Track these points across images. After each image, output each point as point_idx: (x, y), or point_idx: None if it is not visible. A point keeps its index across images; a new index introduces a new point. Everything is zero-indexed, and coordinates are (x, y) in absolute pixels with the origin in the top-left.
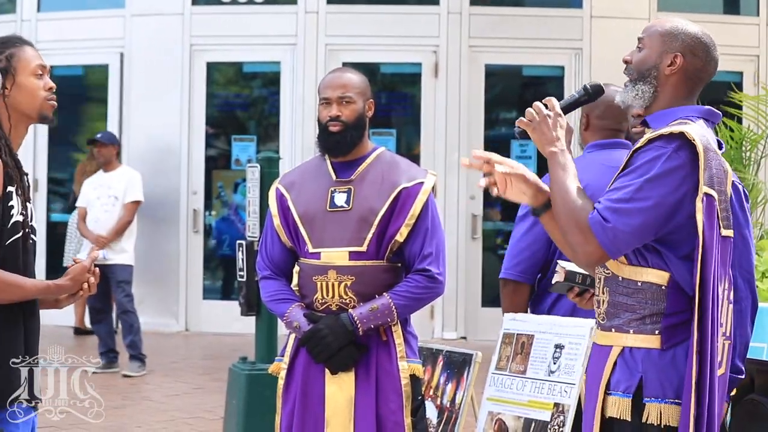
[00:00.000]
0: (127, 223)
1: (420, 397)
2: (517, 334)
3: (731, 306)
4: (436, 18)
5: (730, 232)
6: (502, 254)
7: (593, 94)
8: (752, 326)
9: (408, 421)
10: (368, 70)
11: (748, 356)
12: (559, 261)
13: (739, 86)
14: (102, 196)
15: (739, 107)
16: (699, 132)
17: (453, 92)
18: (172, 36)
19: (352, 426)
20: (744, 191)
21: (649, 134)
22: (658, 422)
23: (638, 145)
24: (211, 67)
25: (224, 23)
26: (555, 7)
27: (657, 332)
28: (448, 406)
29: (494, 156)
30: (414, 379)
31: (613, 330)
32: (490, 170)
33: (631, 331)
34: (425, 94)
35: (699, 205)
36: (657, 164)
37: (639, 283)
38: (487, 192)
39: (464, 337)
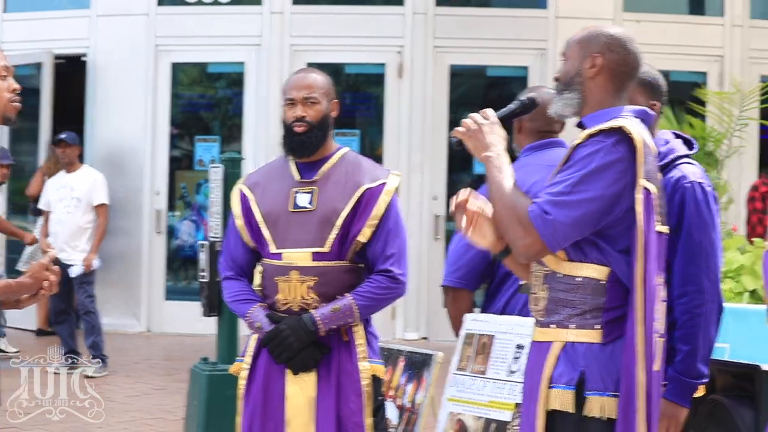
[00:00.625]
0: (105, 227)
1: (381, 398)
2: (478, 335)
3: (664, 303)
4: (400, 18)
5: (665, 229)
6: None
7: (529, 106)
8: (717, 330)
9: (368, 421)
10: (333, 70)
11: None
12: None
13: (704, 87)
14: (65, 197)
15: (704, 105)
16: (636, 127)
17: (417, 93)
18: (137, 36)
19: (313, 426)
20: (713, 192)
21: (588, 130)
22: (600, 415)
23: (577, 141)
24: (176, 68)
25: (189, 24)
26: (520, 7)
27: (598, 327)
28: (408, 406)
29: (473, 193)
30: (375, 380)
31: (553, 326)
32: (462, 206)
33: (572, 326)
34: (389, 95)
35: (638, 197)
36: (596, 158)
37: (578, 279)
38: (450, 192)
39: (425, 338)
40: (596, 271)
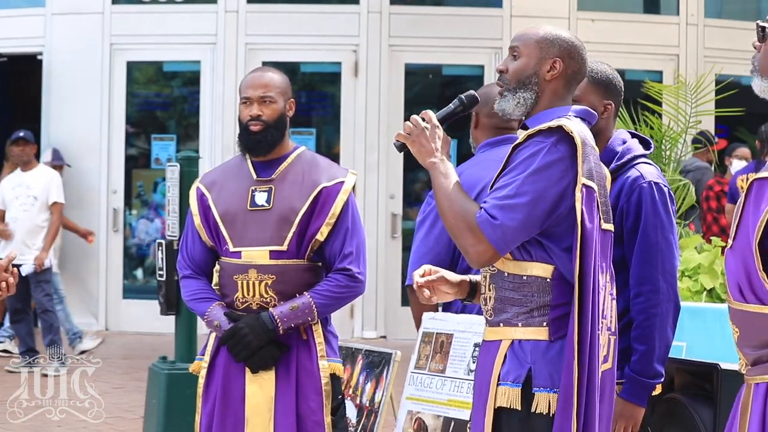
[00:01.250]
0: (58, 226)
1: (340, 396)
2: (437, 333)
3: (614, 302)
4: (356, 17)
5: (610, 226)
6: None
7: (468, 104)
8: (674, 329)
9: (328, 420)
10: (288, 69)
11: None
12: None
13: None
14: (20, 195)
15: (659, 103)
16: (577, 126)
17: (373, 91)
18: (92, 35)
19: (272, 425)
20: (669, 192)
21: (528, 131)
22: (547, 411)
23: (517, 141)
24: (131, 66)
25: (144, 22)
26: (475, 6)
27: (545, 324)
28: (367, 405)
29: (426, 268)
30: (334, 378)
31: (501, 325)
32: (421, 285)
33: (520, 324)
34: (345, 94)
35: (578, 195)
36: (537, 158)
37: (524, 277)
38: (407, 191)
39: (384, 336)
40: (541, 270)
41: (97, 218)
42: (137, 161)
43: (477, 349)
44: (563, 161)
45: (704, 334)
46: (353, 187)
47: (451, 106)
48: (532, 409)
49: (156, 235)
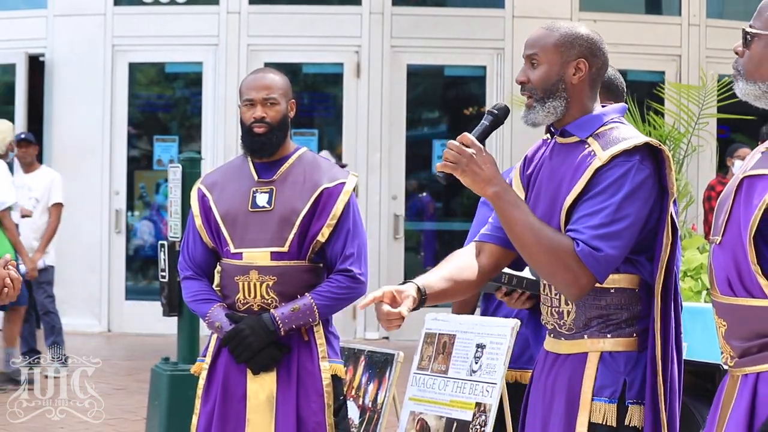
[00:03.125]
0: (56, 226)
1: (342, 398)
2: (439, 334)
3: None
4: (358, 18)
5: None
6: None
7: (501, 116)
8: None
9: (330, 421)
10: (290, 70)
11: None
12: None
13: (661, 86)
14: (22, 197)
15: (662, 103)
16: (655, 140)
17: (375, 92)
18: (94, 36)
19: (273, 426)
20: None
21: (609, 151)
22: (639, 424)
23: (600, 163)
24: (133, 68)
25: (146, 24)
26: (477, 7)
27: (634, 335)
28: (370, 406)
29: (376, 296)
30: (336, 380)
31: (585, 337)
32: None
33: (609, 336)
34: (347, 95)
35: (670, 208)
36: (628, 179)
37: (612, 290)
38: (409, 192)
39: (386, 337)
40: (628, 281)
41: (100, 219)
42: (139, 162)
43: (479, 350)
44: (650, 178)
45: (706, 334)
46: (354, 189)
47: (485, 122)
48: (626, 422)
49: (158, 237)
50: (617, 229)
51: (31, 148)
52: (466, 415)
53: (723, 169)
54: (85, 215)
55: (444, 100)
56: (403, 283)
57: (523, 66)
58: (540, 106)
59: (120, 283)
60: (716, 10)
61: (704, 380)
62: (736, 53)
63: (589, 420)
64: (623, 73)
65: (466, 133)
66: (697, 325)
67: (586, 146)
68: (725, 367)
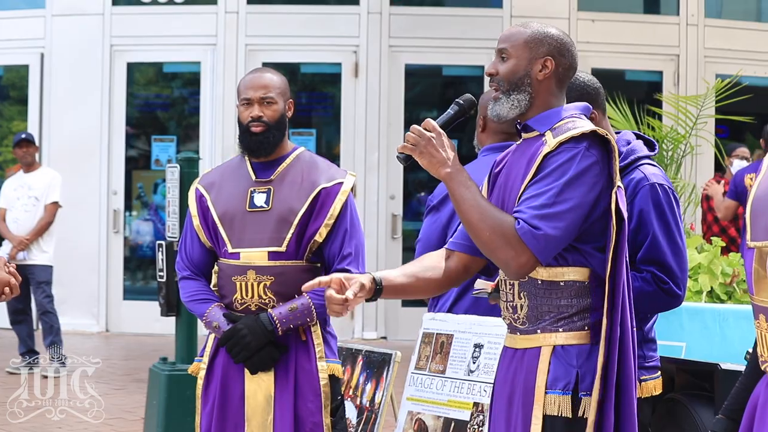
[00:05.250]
0: (48, 224)
1: (339, 397)
2: (437, 334)
3: None
4: (356, 18)
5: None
6: None
7: (467, 107)
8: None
9: (327, 421)
10: (288, 70)
11: (667, 355)
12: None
13: (659, 85)
14: (22, 196)
15: (660, 104)
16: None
17: (373, 92)
18: (93, 36)
19: (272, 426)
20: (674, 193)
21: (558, 137)
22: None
23: (548, 149)
24: (132, 68)
25: (144, 23)
26: (475, 6)
27: (586, 328)
28: (367, 405)
29: (322, 280)
30: (333, 379)
31: (538, 332)
32: None
33: (561, 329)
34: (345, 94)
35: (614, 197)
36: (573, 164)
37: (561, 283)
38: (407, 192)
39: (384, 337)
40: (578, 274)
41: (98, 219)
42: (137, 162)
43: (477, 349)
44: (597, 165)
45: (704, 334)
46: (352, 188)
47: (450, 111)
48: (579, 414)
49: (156, 237)
50: (558, 210)
51: (32, 148)
52: (464, 415)
53: (721, 168)
54: (83, 215)
55: (442, 100)
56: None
57: (494, 59)
58: (505, 98)
59: (118, 283)
60: (714, 9)
61: (702, 379)
62: None
63: (545, 413)
64: (621, 73)
65: (429, 119)
66: (695, 325)
67: (543, 139)
68: None
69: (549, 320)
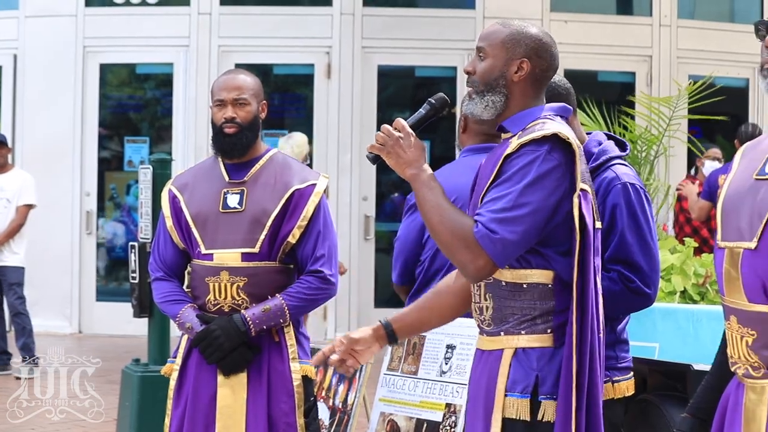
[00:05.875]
0: (19, 226)
1: (312, 398)
2: None
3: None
4: (328, 19)
5: (599, 224)
6: None
7: (439, 107)
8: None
9: (301, 421)
10: (261, 71)
11: (640, 356)
12: None
13: (632, 86)
14: None
15: (634, 105)
16: (567, 129)
17: (346, 93)
18: (66, 37)
19: (244, 427)
20: (645, 193)
21: (520, 139)
22: (553, 419)
23: (509, 150)
24: (105, 69)
25: (117, 25)
26: (448, 7)
27: (549, 331)
28: (340, 407)
29: (326, 351)
30: (306, 380)
31: (502, 333)
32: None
33: (523, 332)
34: (318, 95)
35: (576, 202)
36: (533, 168)
37: (524, 285)
38: (380, 193)
39: None
40: (542, 276)
41: (71, 221)
42: (110, 163)
43: (449, 350)
44: (559, 169)
45: (677, 334)
46: (325, 190)
47: (422, 111)
48: (539, 418)
49: (129, 238)
50: (517, 214)
51: (4, 149)
52: (436, 416)
53: (694, 169)
54: (55, 216)
55: (415, 101)
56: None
57: (473, 57)
58: (479, 99)
59: (91, 285)
60: (687, 10)
61: (674, 380)
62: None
63: (504, 416)
64: (594, 73)
65: (399, 119)
66: (668, 326)
67: (510, 140)
68: (748, 379)
69: (512, 322)
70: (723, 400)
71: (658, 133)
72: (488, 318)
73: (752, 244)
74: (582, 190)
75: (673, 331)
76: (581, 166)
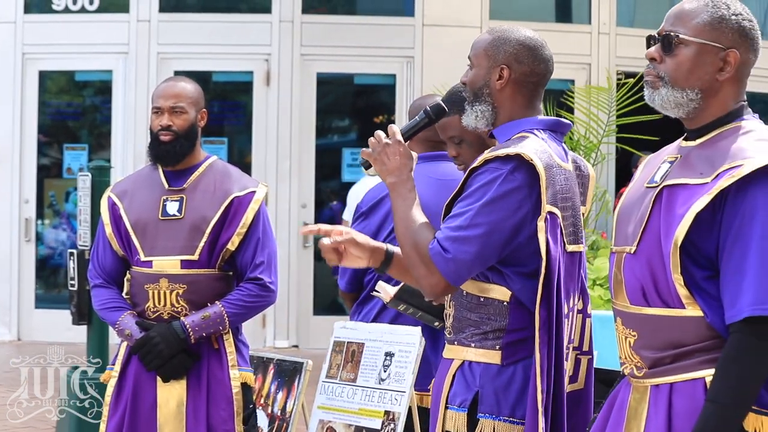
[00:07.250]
0: None
1: (251, 406)
2: (348, 342)
3: (581, 316)
4: (268, 26)
5: (577, 247)
6: None
7: (436, 116)
8: None
9: (239, 429)
10: (200, 78)
11: None
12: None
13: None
14: None
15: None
16: (538, 148)
17: (285, 100)
18: (4, 44)
19: None
20: None
21: (486, 154)
22: None
23: (475, 164)
24: (44, 76)
25: (56, 31)
26: (387, 15)
27: (498, 348)
28: (279, 414)
29: (322, 227)
30: (245, 388)
31: (456, 343)
32: (326, 247)
33: (473, 345)
34: (257, 103)
35: (541, 225)
36: (492, 187)
37: (482, 299)
38: (318, 200)
39: (296, 346)
40: (500, 293)
41: (9, 228)
42: (49, 171)
43: (388, 358)
44: (520, 190)
45: (615, 342)
46: (264, 198)
47: (417, 119)
48: None
49: (68, 245)
50: (470, 234)
51: None
52: (375, 424)
53: (630, 177)
54: None
55: (354, 109)
56: None
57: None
58: (470, 109)
59: (30, 292)
60: (626, 18)
61: (612, 387)
62: (653, 59)
63: (444, 427)
64: None
65: (392, 125)
66: (607, 333)
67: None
68: (632, 378)
69: (467, 333)
70: (611, 398)
71: (597, 141)
72: (449, 326)
73: (632, 248)
74: (550, 212)
75: (612, 338)
76: (554, 188)
